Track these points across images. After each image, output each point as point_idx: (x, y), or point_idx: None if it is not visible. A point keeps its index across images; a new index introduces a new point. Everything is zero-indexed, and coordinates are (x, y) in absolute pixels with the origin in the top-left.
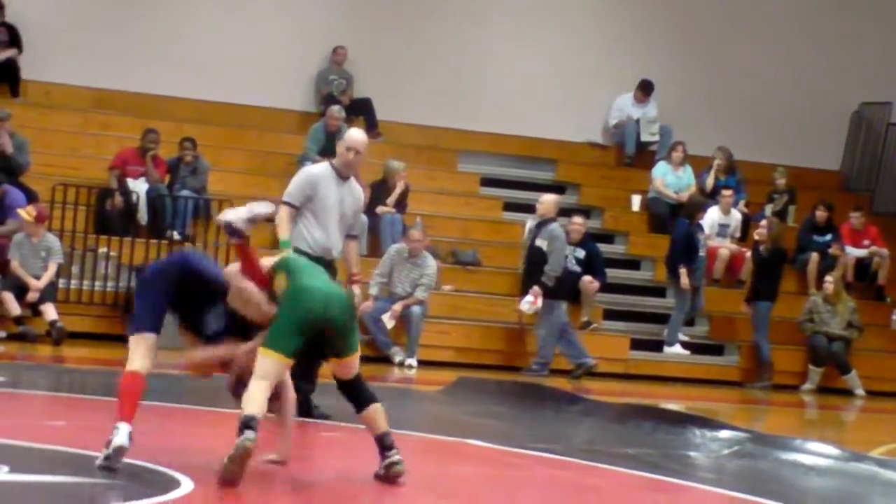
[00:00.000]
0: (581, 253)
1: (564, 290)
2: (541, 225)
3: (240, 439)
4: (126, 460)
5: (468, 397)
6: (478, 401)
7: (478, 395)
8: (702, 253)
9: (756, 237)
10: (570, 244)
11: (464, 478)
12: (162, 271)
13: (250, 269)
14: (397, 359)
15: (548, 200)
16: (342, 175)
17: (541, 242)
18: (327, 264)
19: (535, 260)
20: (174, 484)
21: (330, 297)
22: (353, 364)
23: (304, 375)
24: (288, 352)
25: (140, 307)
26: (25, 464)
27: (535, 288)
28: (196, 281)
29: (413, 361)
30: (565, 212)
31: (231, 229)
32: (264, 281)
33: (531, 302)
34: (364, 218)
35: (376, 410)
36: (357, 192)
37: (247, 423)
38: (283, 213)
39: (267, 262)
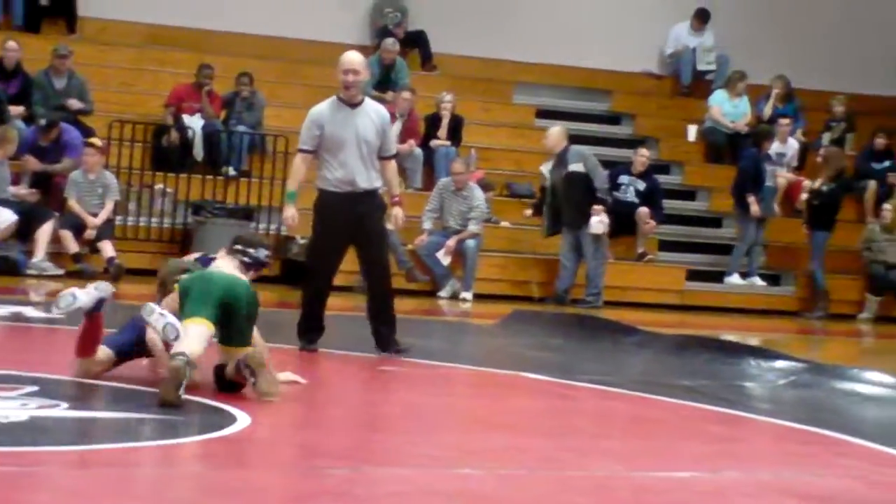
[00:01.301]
0: (641, 185)
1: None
2: (562, 155)
3: (171, 362)
4: (182, 396)
5: (523, 330)
6: (533, 333)
7: (533, 327)
8: (769, 183)
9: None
10: (632, 175)
11: (518, 410)
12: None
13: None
14: (450, 291)
15: (554, 132)
16: (350, 102)
17: (576, 166)
18: (363, 196)
19: (577, 184)
20: (230, 419)
21: (232, 281)
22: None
23: (379, 315)
24: (210, 318)
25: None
26: (83, 400)
27: (597, 206)
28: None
29: (469, 295)
30: (621, 142)
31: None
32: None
33: (601, 220)
34: (419, 151)
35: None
36: (375, 113)
37: (176, 354)
38: (296, 162)
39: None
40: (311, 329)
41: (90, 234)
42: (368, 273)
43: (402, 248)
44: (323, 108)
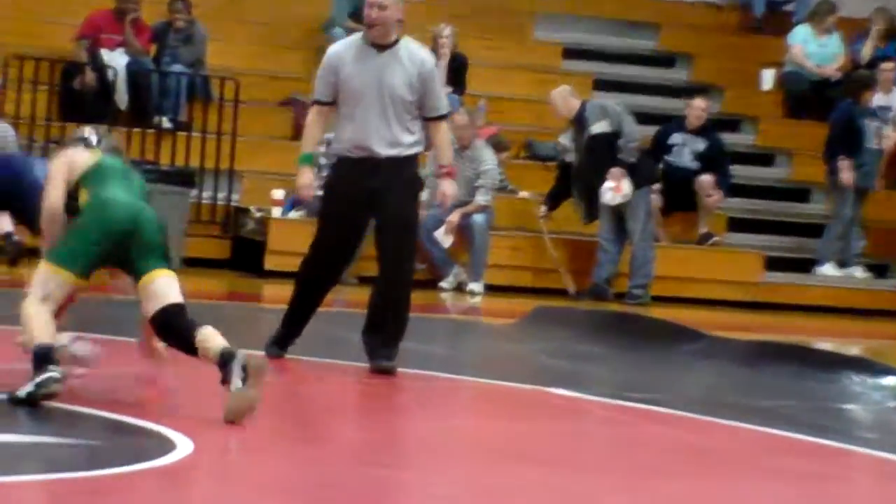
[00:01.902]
0: (701, 144)
1: (649, 171)
2: (579, 117)
3: (44, 376)
4: (109, 415)
5: (549, 332)
6: (561, 337)
7: (561, 329)
8: (875, 144)
9: None
10: (688, 133)
11: (541, 437)
12: None
13: None
14: (453, 281)
15: (557, 96)
16: (377, 43)
17: (598, 126)
18: (384, 165)
19: (603, 148)
20: (168, 445)
21: (139, 211)
22: (162, 284)
23: (384, 320)
24: (77, 269)
25: None
26: None
27: (616, 169)
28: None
29: (478, 286)
30: (674, 91)
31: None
32: None
33: (614, 188)
34: None
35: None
36: (411, 60)
37: (45, 356)
38: (310, 117)
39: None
40: (293, 322)
41: None
42: (382, 264)
43: None
44: (340, 49)
